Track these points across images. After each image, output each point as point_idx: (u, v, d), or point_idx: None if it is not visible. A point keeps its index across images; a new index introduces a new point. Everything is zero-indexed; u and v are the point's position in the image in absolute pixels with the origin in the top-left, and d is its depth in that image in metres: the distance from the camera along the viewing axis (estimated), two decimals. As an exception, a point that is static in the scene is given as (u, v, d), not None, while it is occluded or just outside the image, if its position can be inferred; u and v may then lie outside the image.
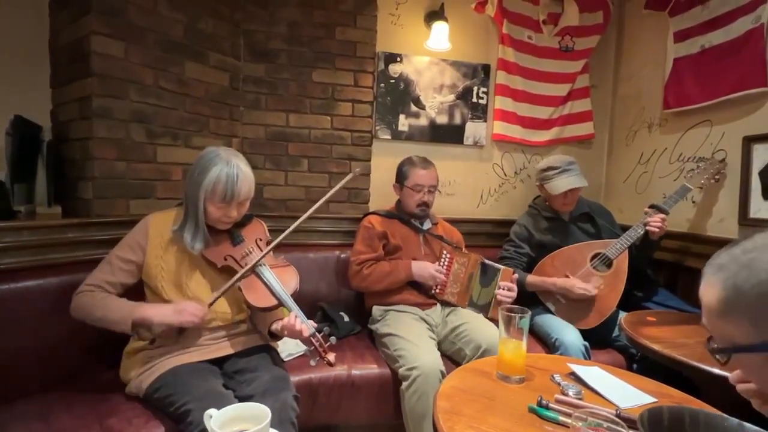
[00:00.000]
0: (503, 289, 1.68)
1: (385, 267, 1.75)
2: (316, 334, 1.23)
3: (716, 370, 1.12)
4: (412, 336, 1.55)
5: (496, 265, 1.74)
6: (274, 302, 1.27)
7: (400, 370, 1.46)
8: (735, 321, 0.55)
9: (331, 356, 1.23)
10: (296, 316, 1.23)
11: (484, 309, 1.72)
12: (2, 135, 1.48)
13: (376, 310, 1.77)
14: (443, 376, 1.42)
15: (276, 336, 1.33)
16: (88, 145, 1.55)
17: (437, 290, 1.76)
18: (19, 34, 1.62)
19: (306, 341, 1.23)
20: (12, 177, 1.48)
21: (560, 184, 1.85)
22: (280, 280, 1.31)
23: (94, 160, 1.55)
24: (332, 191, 1.33)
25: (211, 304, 1.21)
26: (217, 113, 1.96)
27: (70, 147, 1.62)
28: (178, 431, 1.10)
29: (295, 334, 1.23)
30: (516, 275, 1.71)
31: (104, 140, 1.57)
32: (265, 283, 1.29)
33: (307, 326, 1.22)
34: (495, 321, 1.56)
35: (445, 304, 1.78)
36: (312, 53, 2.12)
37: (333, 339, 1.25)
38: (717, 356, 0.60)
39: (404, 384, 1.43)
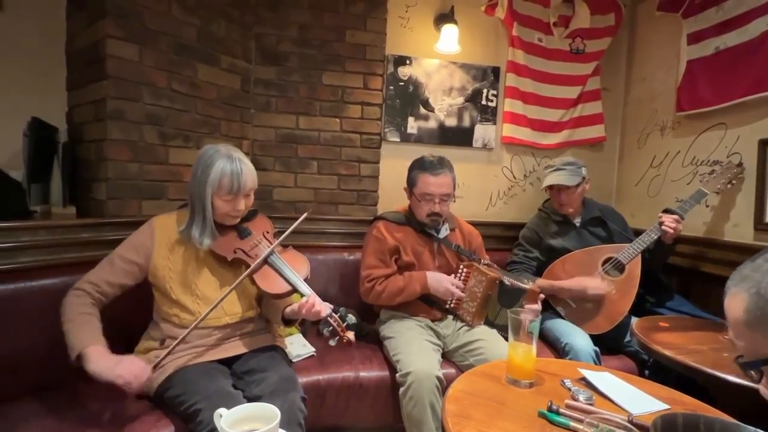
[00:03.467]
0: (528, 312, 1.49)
1: (399, 282, 1.63)
2: (333, 314, 1.26)
3: (732, 378, 1.09)
4: (409, 341, 1.53)
5: (522, 285, 1.56)
6: (288, 288, 1.29)
7: (397, 376, 1.45)
8: (763, 331, 0.54)
9: (350, 334, 1.25)
10: (313, 297, 1.26)
11: (502, 329, 1.60)
12: (20, 136, 1.51)
13: (384, 313, 1.76)
14: (440, 382, 1.40)
15: (290, 321, 1.35)
16: (102, 146, 1.58)
17: (452, 304, 1.68)
18: (36, 38, 1.66)
19: (324, 321, 1.26)
20: (29, 177, 1.52)
21: (545, 181, 1.91)
22: (292, 266, 1.32)
23: (107, 161, 1.58)
24: (294, 225, 1.34)
25: (155, 367, 1.16)
26: (228, 116, 1.98)
27: (85, 148, 1.65)
28: (188, 430, 1.11)
29: (313, 315, 1.25)
30: (542, 295, 1.57)
31: (118, 142, 1.60)
32: (277, 271, 1.31)
33: (324, 306, 1.25)
34: None
35: (459, 318, 1.69)
36: (322, 56, 2.14)
37: (350, 318, 1.26)
38: (750, 372, 0.58)
39: (401, 389, 1.42)
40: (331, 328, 1.25)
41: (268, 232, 1.43)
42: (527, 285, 1.56)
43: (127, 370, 1.06)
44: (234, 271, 1.33)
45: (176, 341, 1.19)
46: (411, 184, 1.71)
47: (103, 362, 1.07)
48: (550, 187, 1.91)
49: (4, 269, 1.28)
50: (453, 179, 1.68)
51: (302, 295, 1.29)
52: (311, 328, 1.76)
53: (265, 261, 1.31)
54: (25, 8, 1.62)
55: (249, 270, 1.27)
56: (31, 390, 1.24)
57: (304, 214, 1.36)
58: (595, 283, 1.70)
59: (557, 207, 1.93)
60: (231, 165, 1.24)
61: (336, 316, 1.27)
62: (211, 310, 1.22)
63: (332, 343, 1.24)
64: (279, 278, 1.30)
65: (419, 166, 1.69)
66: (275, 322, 1.38)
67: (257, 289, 1.31)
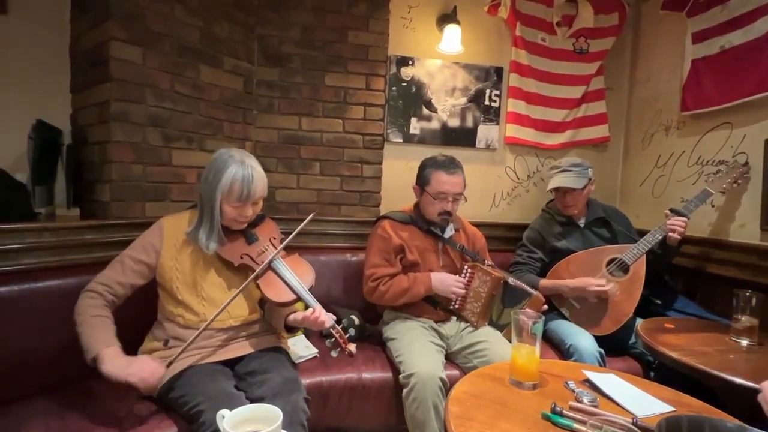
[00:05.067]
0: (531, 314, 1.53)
1: (403, 283, 1.63)
2: (336, 325, 1.26)
3: (738, 380, 1.08)
4: (412, 342, 1.52)
5: (528, 289, 1.56)
6: (293, 297, 1.29)
7: (400, 377, 1.45)
8: None
9: (351, 346, 1.25)
10: (317, 308, 1.25)
11: (502, 328, 1.62)
12: (25, 139, 1.52)
13: (387, 313, 1.76)
14: (443, 383, 1.40)
15: (293, 329, 1.35)
16: (106, 148, 1.59)
17: (456, 305, 1.68)
18: (40, 41, 1.67)
19: (327, 333, 1.26)
20: (33, 179, 1.53)
21: (551, 182, 1.89)
22: (297, 275, 1.33)
23: (111, 163, 1.59)
24: (302, 225, 1.33)
25: (169, 365, 1.16)
26: (231, 117, 1.98)
27: (89, 150, 1.66)
28: (191, 431, 1.11)
29: (316, 326, 1.25)
30: (546, 306, 1.56)
31: (121, 144, 1.60)
32: (282, 279, 1.31)
33: (328, 318, 1.25)
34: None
35: (463, 319, 1.69)
36: (324, 57, 2.14)
37: (352, 331, 1.27)
38: None
39: (404, 391, 1.42)
40: (333, 339, 1.24)
41: (275, 238, 1.43)
42: (532, 291, 1.55)
43: (139, 369, 1.08)
44: (240, 275, 1.33)
45: (190, 340, 1.18)
46: (423, 182, 1.69)
47: (116, 363, 1.09)
48: (556, 189, 1.90)
49: (9, 271, 1.29)
50: (464, 179, 1.69)
51: (306, 305, 1.29)
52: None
53: (269, 267, 1.31)
54: (29, 11, 1.63)
55: (253, 275, 1.27)
56: (36, 390, 1.24)
57: (308, 217, 1.35)
58: (597, 280, 1.69)
59: (562, 209, 1.92)
60: (243, 171, 1.24)
61: (339, 328, 1.26)
62: (219, 313, 1.22)
63: (334, 354, 1.23)
64: (284, 287, 1.30)
65: (433, 164, 1.68)
66: (278, 329, 1.38)
67: (262, 296, 1.31)
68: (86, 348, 1.12)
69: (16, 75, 1.61)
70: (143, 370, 1.09)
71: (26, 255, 1.33)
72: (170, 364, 1.17)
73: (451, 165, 1.66)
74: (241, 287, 1.25)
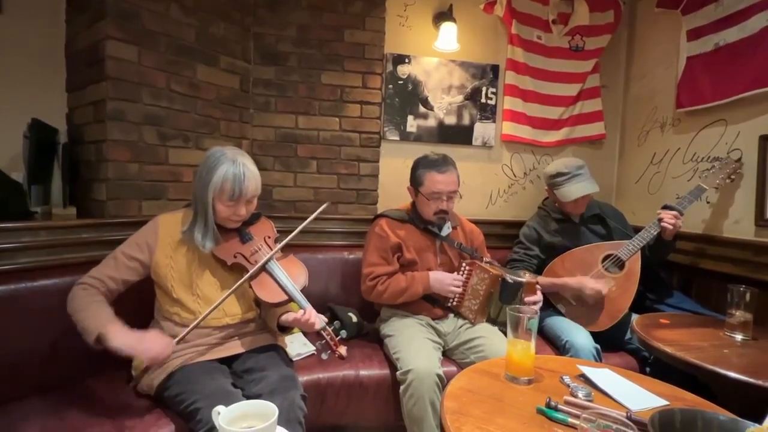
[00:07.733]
0: (529, 304, 1.52)
1: (401, 282, 1.63)
2: (327, 327, 1.25)
3: (732, 374, 1.09)
4: (409, 339, 1.53)
5: (519, 279, 1.55)
6: (285, 297, 1.29)
7: (397, 374, 1.45)
8: None
9: (342, 349, 1.24)
10: (308, 310, 1.25)
11: (500, 324, 1.61)
12: (20, 138, 1.52)
13: (385, 311, 1.76)
14: (441, 380, 1.40)
15: (286, 329, 1.35)
16: (102, 147, 1.59)
17: (454, 303, 1.68)
18: (36, 40, 1.66)
19: (317, 335, 1.25)
20: (29, 179, 1.53)
21: (571, 191, 1.80)
22: (290, 276, 1.32)
23: (107, 162, 1.58)
24: (313, 216, 1.34)
25: (178, 341, 1.19)
26: (228, 116, 1.98)
27: (85, 149, 1.66)
28: (188, 429, 1.12)
29: (307, 327, 1.25)
30: (539, 285, 1.56)
31: (118, 143, 1.60)
32: (275, 279, 1.31)
33: (319, 320, 1.24)
34: None
35: (461, 316, 1.70)
36: (321, 56, 2.14)
37: (344, 333, 1.26)
38: None
39: (401, 388, 1.42)
40: (323, 341, 1.23)
41: (269, 237, 1.43)
42: (524, 278, 1.56)
43: (153, 345, 1.11)
44: (235, 274, 1.34)
45: (200, 317, 1.20)
46: (417, 183, 1.69)
47: (126, 337, 1.10)
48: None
49: (5, 270, 1.29)
50: (458, 176, 1.69)
51: (299, 306, 1.29)
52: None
53: (263, 268, 1.31)
54: (25, 10, 1.63)
55: (246, 276, 1.27)
56: (33, 389, 1.24)
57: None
58: (593, 284, 1.69)
59: (571, 210, 1.88)
60: (234, 169, 1.23)
61: (330, 330, 1.25)
62: (213, 309, 1.22)
63: (324, 356, 1.22)
64: (276, 287, 1.30)
65: (425, 164, 1.67)
66: (272, 328, 1.38)
67: (254, 296, 1.32)
68: (88, 329, 1.11)
69: (11, 74, 1.60)
70: (154, 347, 1.11)
71: (22, 254, 1.33)
72: (179, 341, 1.18)
73: (443, 163, 1.65)
74: (233, 288, 1.24)
